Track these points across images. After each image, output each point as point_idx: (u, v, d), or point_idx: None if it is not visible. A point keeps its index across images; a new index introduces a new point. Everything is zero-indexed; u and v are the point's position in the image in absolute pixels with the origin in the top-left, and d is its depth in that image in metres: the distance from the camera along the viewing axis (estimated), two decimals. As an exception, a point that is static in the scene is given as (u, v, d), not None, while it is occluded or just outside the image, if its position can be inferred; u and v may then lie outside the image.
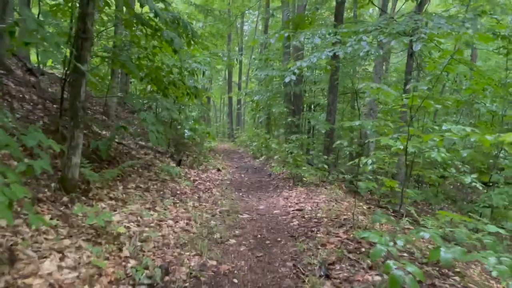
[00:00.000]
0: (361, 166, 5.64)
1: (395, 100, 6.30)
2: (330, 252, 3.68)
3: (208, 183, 7.23)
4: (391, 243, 2.75)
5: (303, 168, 7.38)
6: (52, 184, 4.40)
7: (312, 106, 16.46)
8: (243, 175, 8.89)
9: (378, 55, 9.48)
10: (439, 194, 9.55)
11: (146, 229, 4.28)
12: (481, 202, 6.95)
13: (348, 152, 12.57)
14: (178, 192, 6.01)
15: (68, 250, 3.08)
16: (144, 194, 5.66)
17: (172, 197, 5.72)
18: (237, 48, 27.18)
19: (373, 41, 8.09)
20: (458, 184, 11.05)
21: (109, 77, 10.45)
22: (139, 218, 4.54)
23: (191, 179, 7.28)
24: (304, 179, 7.20)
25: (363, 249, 3.80)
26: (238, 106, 26.12)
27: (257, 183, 8.02)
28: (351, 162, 5.95)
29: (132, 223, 4.38)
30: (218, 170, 8.89)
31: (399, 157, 7.08)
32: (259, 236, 4.43)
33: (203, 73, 8.83)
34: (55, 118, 6.00)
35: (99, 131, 7.47)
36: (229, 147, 20.61)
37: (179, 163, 8.06)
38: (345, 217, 5.09)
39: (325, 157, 7.47)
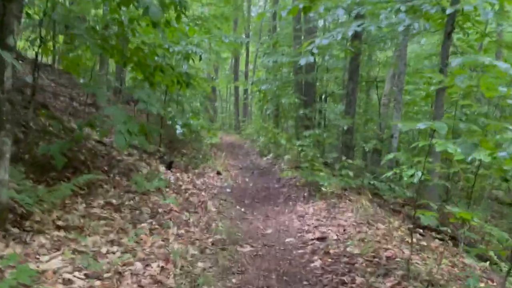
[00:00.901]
0: (404, 178, 4.10)
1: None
2: None
3: (203, 193, 5.74)
4: None
5: (321, 174, 5.85)
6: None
7: (323, 96, 14.81)
8: (247, 179, 7.38)
9: (417, 32, 7.84)
10: None
11: (97, 283, 2.82)
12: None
13: (366, 148, 10.99)
14: (161, 211, 4.53)
15: None
16: (113, 215, 4.19)
17: (151, 220, 4.24)
18: (244, 35, 25.47)
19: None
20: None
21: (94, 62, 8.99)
22: (90, 261, 3.08)
23: (182, 188, 5.80)
24: (323, 188, 5.67)
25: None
26: (245, 96, 24.50)
27: (263, 190, 6.51)
28: (389, 173, 4.40)
29: (77, 273, 2.92)
30: (218, 173, 7.40)
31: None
32: (266, 290, 2.96)
33: (200, 57, 7.28)
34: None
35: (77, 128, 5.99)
36: (235, 140, 19.09)
37: (169, 166, 6.58)
38: (387, 253, 3.57)
39: (349, 161, 5.91)
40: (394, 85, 15.79)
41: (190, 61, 14.07)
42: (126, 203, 4.61)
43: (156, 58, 6.28)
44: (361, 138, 12.53)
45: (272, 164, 9.09)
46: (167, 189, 5.45)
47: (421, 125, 2.85)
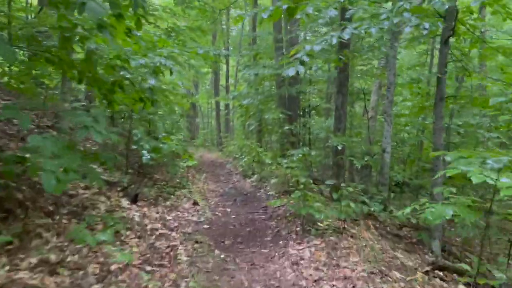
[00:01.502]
0: (430, 218, 3.15)
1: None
2: None
3: (174, 234, 4.65)
4: None
5: (316, 204, 4.86)
6: None
7: (307, 110, 14.00)
8: (229, 209, 6.32)
9: (411, 39, 7.09)
10: None
11: None
12: None
13: (357, 165, 10.12)
14: (113, 268, 3.43)
15: None
16: (45, 282, 3.08)
17: (97, 285, 3.14)
18: (223, 49, 24.64)
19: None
20: None
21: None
22: None
23: (148, 228, 4.70)
24: (319, 223, 4.67)
25: None
26: (226, 111, 23.55)
27: (248, 224, 5.46)
28: (413, 205, 3.45)
29: None
30: (195, 203, 6.32)
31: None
32: None
33: (170, 71, 6.27)
34: None
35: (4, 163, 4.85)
36: (216, 158, 18.01)
37: (135, 199, 5.47)
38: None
39: (349, 189, 4.92)
40: (380, 97, 15.15)
41: (167, 76, 13.05)
42: (69, 259, 3.49)
43: (121, 72, 5.28)
44: (349, 154, 11.70)
45: (257, 188, 8.07)
46: (128, 232, 4.34)
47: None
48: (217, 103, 24.03)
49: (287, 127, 10.14)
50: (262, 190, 7.80)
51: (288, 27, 11.70)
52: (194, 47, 7.35)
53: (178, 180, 7.87)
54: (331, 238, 4.46)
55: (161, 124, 7.69)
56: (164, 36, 9.65)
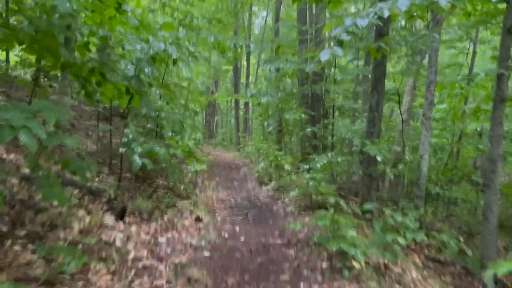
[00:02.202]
0: None
1: None
2: None
3: (161, 268, 3.52)
4: None
5: (351, 235, 3.62)
6: None
7: (331, 111, 12.65)
8: (237, 228, 5.13)
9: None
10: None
11: None
12: None
13: (390, 175, 8.76)
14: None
15: None
16: None
17: None
18: (240, 41, 23.51)
19: None
20: None
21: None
22: None
23: (130, 257, 3.59)
24: (354, 263, 3.44)
25: None
26: (245, 109, 22.41)
27: (260, 253, 4.26)
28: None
29: None
30: (198, 219, 5.18)
31: None
32: None
33: (174, 61, 5.17)
34: None
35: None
36: (233, 159, 16.89)
37: (121, 215, 4.39)
38: None
39: (398, 218, 3.65)
40: (414, 98, 13.60)
41: (182, 72, 11.97)
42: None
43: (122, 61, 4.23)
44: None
45: (274, 199, 6.87)
46: (99, 266, 3.24)
47: None
48: (237, 102, 22.94)
49: (310, 129, 8.90)
50: (279, 202, 6.60)
51: (314, 17, 10.44)
52: (205, 35, 6.25)
53: (184, 187, 6.77)
54: (371, 284, 3.22)
55: (167, 123, 6.61)
56: (177, 25, 8.59)
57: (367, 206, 4.56)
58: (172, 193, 6.16)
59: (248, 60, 24.24)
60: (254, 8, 26.43)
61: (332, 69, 12.46)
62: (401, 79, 10.29)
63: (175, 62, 5.29)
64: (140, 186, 5.86)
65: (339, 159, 7.98)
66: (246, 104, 22.73)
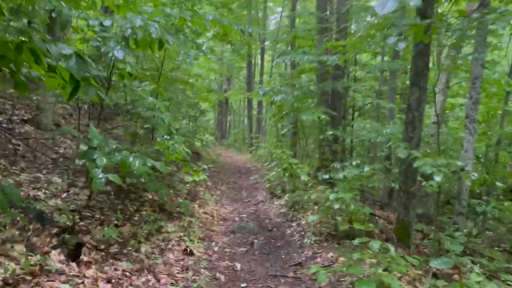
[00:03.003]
0: None
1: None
2: None
3: None
4: None
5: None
6: None
7: (351, 111, 11.20)
8: (238, 266, 3.77)
9: None
10: None
11: None
12: None
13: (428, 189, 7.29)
14: None
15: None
16: None
17: None
18: (258, 42, 22.22)
19: None
20: None
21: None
22: None
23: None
24: None
25: None
26: (258, 109, 21.10)
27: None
28: None
29: None
30: (186, 251, 3.89)
31: None
32: None
33: (160, 42, 3.92)
34: None
35: None
36: (245, 161, 15.63)
37: (75, 253, 3.13)
38: None
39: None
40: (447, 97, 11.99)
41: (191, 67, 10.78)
42: None
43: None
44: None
45: (288, 219, 5.52)
46: None
47: None
48: (249, 101, 21.65)
49: (332, 132, 7.51)
50: (294, 225, 5.25)
51: (336, 5, 9.02)
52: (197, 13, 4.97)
53: (178, 202, 5.51)
54: None
55: (160, 122, 5.35)
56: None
57: (439, 262, 3.13)
58: (160, 212, 4.90)
59: (262, 58, 22.93)
60: (270, 4, 25.10)
61: (352, 67, 11.06)
62: (438, 75, 8.80)
63: (161, 45, 4.01)
64: (120, 203, 4.62)
65: (366, 169, 6.58)
66: (260, 103, 21.42)
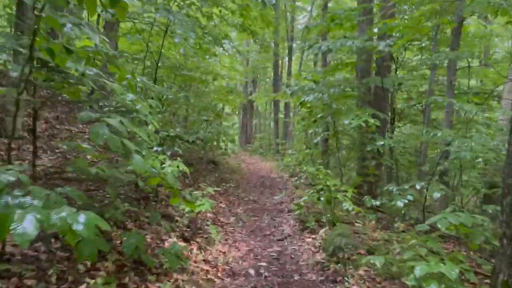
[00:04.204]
0: None
1: None
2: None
3: None
4: None
5: None
6: None
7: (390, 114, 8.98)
8: None
9: None
10: None
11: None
12: None
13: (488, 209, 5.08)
14: None
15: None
16: None
17: None
18: (286, 43, 20.32)
19: None
20: None
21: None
22: None
23: None
24: None
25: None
26: (285, 112, 19.17)
27: None
28: None
29: None
30: None
31: None
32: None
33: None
34: None
35: None
36: (270, 170, 13.71)
37: None
38: None
39: None
40: None
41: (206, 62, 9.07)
42: None
43: None
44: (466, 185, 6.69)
45: (328, 280, 3.56)
46: None
47: None
48: (276, 103, 19.74)
49: (382, 142, 5.47)
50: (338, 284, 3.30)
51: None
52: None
53: (167, 245, 3.71)
54: None
55: (144, 132, 3.53)
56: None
57: None
58: (131, 270, 3.09)
59: (290, 59, 20.97)
60: (298, 3, 23.14)
61: (402, 58, 8.92)
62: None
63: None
64: (68, 257, 2.86)
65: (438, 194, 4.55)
66: (287, 105, 19.46)
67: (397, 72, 8.14)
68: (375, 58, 7.38)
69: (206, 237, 4.52)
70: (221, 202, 6.80)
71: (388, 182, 8.16)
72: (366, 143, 6.74)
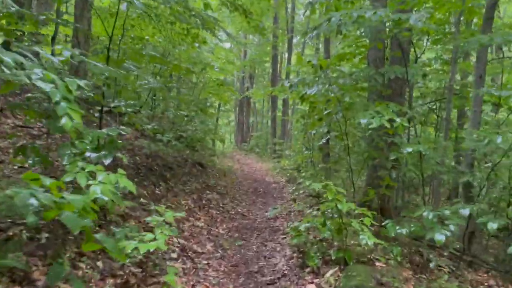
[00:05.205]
0: None
1: None
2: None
3: None
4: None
5: None
6: None
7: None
8: None
9: None
10: None
11: None
12: None
13: None
14: None
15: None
16: None
17: None
18: (285, 36, 18.83)
19: None
20: None
21: None
22: None
23: None
24: None
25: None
26: (283, 109, 17.70)
27: None
28: None
29: None
30: None
31: None
32: None
33: None
34: None
35: None
36: (266, 173, 12.26)
37: None
38: None
39: None
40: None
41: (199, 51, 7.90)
42: None
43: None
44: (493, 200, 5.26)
45: None
46: None
47: None
48: (273, 100, 18.26)
49: (410, 149, 4.02)
50: None
51: None
52: None
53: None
54: None
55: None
56: None
57: None
58: None
59: (290, 52, 19.48)
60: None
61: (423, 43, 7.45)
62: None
63: None
64: None
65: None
66: (285, 102, 17.98)
67: (416, 62, 6.68)
68: (389, 44, 5.94)
69: (162, 284, 3.05)
70: (199, 218, 5.33)
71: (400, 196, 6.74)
72: (381, 146, 5.29)
